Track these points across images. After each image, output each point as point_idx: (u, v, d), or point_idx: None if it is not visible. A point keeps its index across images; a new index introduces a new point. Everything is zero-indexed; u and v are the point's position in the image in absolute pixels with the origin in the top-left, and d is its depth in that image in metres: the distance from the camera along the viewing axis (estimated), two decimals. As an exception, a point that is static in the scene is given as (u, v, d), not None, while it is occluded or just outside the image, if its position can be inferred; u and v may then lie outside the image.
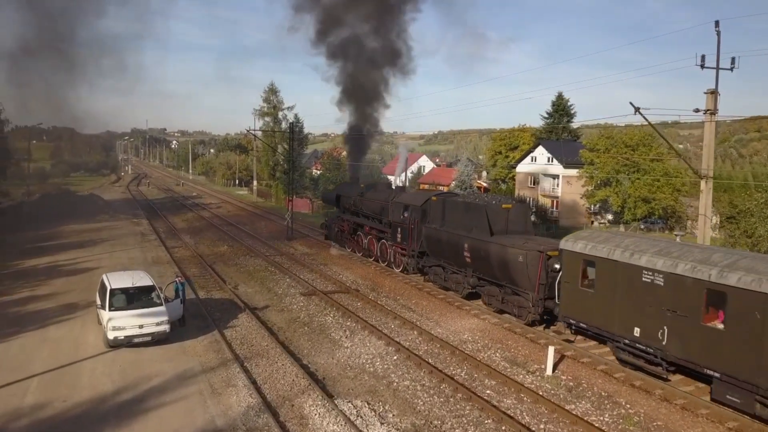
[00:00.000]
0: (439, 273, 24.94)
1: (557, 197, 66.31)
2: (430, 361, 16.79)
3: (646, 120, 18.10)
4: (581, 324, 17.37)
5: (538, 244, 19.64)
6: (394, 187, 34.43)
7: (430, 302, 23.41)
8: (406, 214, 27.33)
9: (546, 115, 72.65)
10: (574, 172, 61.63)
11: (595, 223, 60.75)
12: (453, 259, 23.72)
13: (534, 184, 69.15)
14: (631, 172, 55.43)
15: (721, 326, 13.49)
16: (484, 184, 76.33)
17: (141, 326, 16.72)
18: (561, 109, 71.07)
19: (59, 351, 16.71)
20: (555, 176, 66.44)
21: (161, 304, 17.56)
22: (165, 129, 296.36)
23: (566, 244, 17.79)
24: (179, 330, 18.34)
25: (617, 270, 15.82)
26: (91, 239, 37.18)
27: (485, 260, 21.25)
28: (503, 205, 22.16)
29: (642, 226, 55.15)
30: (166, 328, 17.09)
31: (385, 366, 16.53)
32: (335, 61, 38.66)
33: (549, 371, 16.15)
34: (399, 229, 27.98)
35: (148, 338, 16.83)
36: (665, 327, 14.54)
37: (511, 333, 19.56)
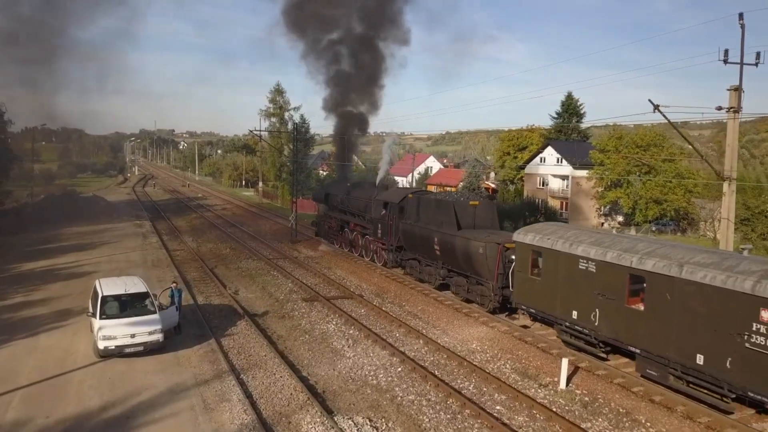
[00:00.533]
0: (415, 266, 26.20)
1: (567, 198, 65.17)
2: (436, 373, 15.91)
3: (666, 118, 17.11)
4: (531, 309, 18.79)
5: (499, 237, 20.83)
6: (376, 185, 34.27)
7: (437, 309, 22.50)
8: (385, 211, 28.20)
9: (555, 116, 71.48)
10: (583, 173, 60.46)
11: (605, 225, 59.58)
12: (426, 252, 24.94)
13: (543, 185, 68.03)
14: (642, 173, 54.19)
15: (641, 307, 14.73)
16: (492, 185, 75.21)
17: (133, 335, 15.94)
18: (570, 109, 69.89)
19: (48, 361, 15.96)
20: (564, 177, 65.30)
21: (155, 312, 16.79)
22: (173, 130, 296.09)
23: (518, 236, 19.10)
24: (174, 338, 17.58)
25: (559, 259, 17.19)
26: (92, 242, 36.54)
27: (452, 253, 22.53)
28: (470, 202, 23.55)
29: (653, 228, 53.92)
30: (159, 337, 16.29)
31: (389, 378, 15.66)
32: (313, 39, 37.71)
33: (563, 385, 15.22)
34: (379, 225, 28.98)
35: (140, 348, 16.03)
36: (597, 309, 15.88)
37: (522, 342, 18.63)
